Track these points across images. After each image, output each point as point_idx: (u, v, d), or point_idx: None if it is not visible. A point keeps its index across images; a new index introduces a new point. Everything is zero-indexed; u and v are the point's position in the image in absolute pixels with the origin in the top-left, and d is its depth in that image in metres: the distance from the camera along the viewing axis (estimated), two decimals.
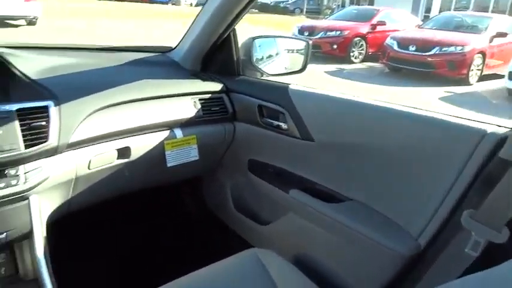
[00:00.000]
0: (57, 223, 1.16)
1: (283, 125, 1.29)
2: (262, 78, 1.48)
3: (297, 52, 1.62)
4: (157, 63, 1.45)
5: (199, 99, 1.36)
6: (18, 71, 1.09)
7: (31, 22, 9.60)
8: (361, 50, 9.37)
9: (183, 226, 1.72)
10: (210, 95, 1.38)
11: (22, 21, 9.65)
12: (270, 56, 1.61)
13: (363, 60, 9.35)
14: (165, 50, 1.54)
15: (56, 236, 1.13)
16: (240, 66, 1.48)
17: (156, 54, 1.52)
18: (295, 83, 1.33)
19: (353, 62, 9.19)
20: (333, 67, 8.38)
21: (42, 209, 1.06)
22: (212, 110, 1.37)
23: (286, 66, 1.64)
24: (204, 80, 1.41)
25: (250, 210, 1.52)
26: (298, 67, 1.55)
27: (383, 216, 1.10)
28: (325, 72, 7.69)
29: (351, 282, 1.15)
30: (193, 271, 1.07)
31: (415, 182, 1.03)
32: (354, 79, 7.51)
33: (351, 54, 9.19)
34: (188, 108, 1.32)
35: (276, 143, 1.35)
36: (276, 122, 1.32)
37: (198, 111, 1.33)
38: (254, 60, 1.46)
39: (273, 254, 1.14)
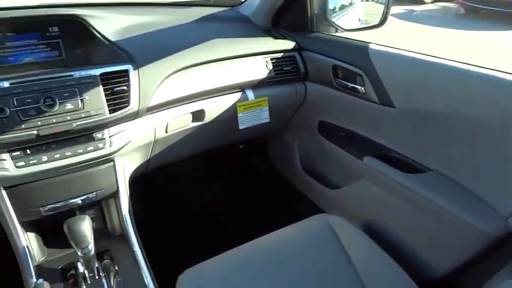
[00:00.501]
0: (136, 181, 1.22)
1: (360, 88, 1.21)
2: (337, 35, 1.38)
3: (377, 1, 1.48)
4: (228, 18, 1.40)
5: (271, 59, 1.31)
6: (98, 32, 1.10)
7: None
8: None
9: (250, 185, 1.76)
10: (281, 54, 1.32)
11: None
12: (343, 8, 1.49)
13: (435, 0, 8.50)
14: (234, 4, 1.48)
15: (135, 193, 1.19)
16: (314, 21, 1.38)
17: (226, 8, 1.46)
18: (372, 41, 1.22)
19: (424, 2, 8.40)
20: (400, 9, 7.72)
21: (125, 169, 1.12)
22: (284, 70, 1.32)
23: (361, 18, 1.51)
24: (275, 37, 1.35)
25: (319, 173, 1.51)
26: (376, 20, 1.42)
27: (467, 191, 1.03)
28: (392, 15, 7.08)
29: (426, 257, 1.12)
30: (259, 232, 1.09)
31: (505, 155, 0.93)
32: (425, 22, 6.89)
33: None
34: (260, 69, 1.28)
35: (349, 106, 1.28)
36: (351, 84, 1.25)
37: (269, 72, 1.29)
38: (329, 14, 1.36)
39: (343, 221, 1.13)
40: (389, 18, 1.32)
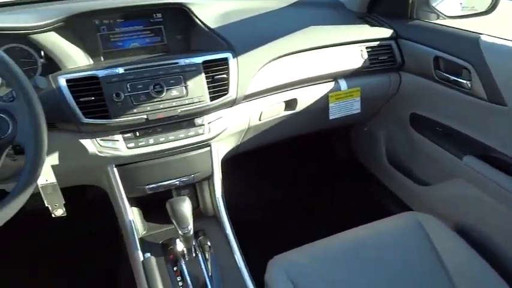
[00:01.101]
0: (224, 164, 1.26)
1: (466, 83, 1.12)
2: (439, 22, 1.29)
3: None
4: (323, 4, 1.37)
5: (366, 48, 1.26)
6: (198, 19, 1.13)
7: None
8: None
9: (330, 172, 1.74)
10: (377, 43, 1.27)
11: None
12: None
13: None
14: None
15: (225, 175, 1.23)
16: (414, 7, 1.30)
17: None
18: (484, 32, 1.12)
19: None
20: None
21: (218, 153, 1.16)
22: (380, 59, 1.27)
23: (463, 4, 1.39)
24: (372, 24, 1.29)
25: (406, 167, 1.45)
26: (484, 6, 1.29)
27: None
28: None
29: None
30: (342, 222, 1.08)
31: None
32: None
33: None
34: (354, 58, 1.24)
35: (449, 101, 1.21)
36: (454, 78, 1.16)
37: (364, 61, 1.25)
38: None
39: (435, 220, 1.09)
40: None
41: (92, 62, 1.08)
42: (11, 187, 0.74)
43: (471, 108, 1.14)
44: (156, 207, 1.16)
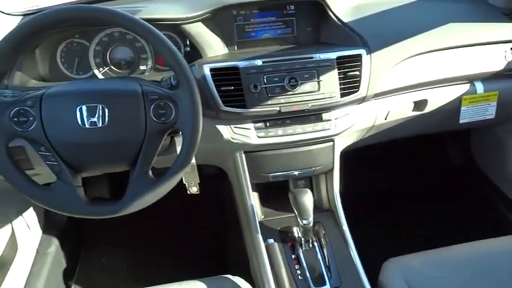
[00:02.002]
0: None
1: None
2: None
3: None
4: None
5: (511, 48, 1.15)
6: (332, 12, 1.12)
7: None
8: None
9: (448, 178, 1.64)
10: None
11: None
12: None
13: None
14: None
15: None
16: None
17: None
18: None
19: None
20: None
21: (340, 148, 1.16)
22: None
23: None
24: None
25: None
26: None
27: None
28: None
29: None
30: (460, 232, 1.02)
31: None
32: None
33: None
34: (496, 59, 1.14)
35: None
36: None
37: (508, 63, 1.14)
38: None
39: None
40: None
41: (226, 51, 1.14)
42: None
43: None
44: (272, 194, 1.21)
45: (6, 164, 0.75)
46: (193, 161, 1.01)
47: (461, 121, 1.19)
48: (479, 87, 1.16)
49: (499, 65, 1.14)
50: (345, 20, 1.12)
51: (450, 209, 1.53)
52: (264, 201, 1.20)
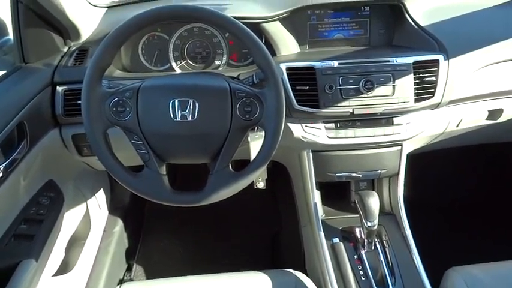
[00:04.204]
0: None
1: None
2: None
3: None
4: None
5: None
6: (409, 15, 1.11)
7: None
8: None
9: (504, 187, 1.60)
10: None
11: None
12: None
13: None
14: None
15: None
16: None
17: None
18: None
19: None
20: None
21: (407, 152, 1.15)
22: None
23: None
24: None
25: None
26: None
27: None
28: None
29: None
30: None
31: None
32: None
33: None
34: None
35: None
36: None
37: None
38: None
39: None
40: None
41: (298, 49, 1.16)
42: None
43: None
44: (334, 194, 1.22)
45: (104, 150, 0.81)
46: None
47: None
48: None
49: None
50: (422, 23, 1.10)
51: None
52: (325, 200, 1.22)
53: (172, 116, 0.81)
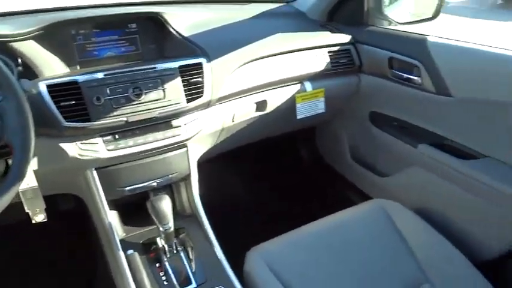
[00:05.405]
0: (201, 165, 1.31)
1: (416, 79, 1.25)
2: (391, 28, 1.43)
3: None
4: (286, 15, 1.47)
5: (328, 52, 1.37)
6: (172, 28, 1.19)
7: None
8: None
9: (297, 173, 1.83)
10: (338, 47, 1.38)
11: None
12: (397, 1, 1.52)
13: None
14: (288, 0, 1.55)
15: (201, 176, 1.28)
16: (369, 15, 1.43)
17: (281, 4, 1.53)
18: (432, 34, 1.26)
19: None
20: None
21: (195, 154, 1.21)
22: (340, 62, 1.38)
23: (413, 12, 1.54)
24: (332, 31, 1.41)
25: (369, 162, 1.56)
26: (429, 14, 1.44)
27: None
28: None
29: (482, 238, 1.16)
30: (312, 218, 1.15)
31: None
32: (461, 14, 6.72)
33: None
34: (318, 61, 1.35)
35: (404, 97, 1.33)
36: (406, 75, 1.29)
37: (326, 64, 1.36)
38: (384, 8, 1.40)
39: (397, 205, 1.19)
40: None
41: (68, 70, 1.11)
42: None
43: (422, 101, 1.26)
44: (134, 210, 1.19)
45: None
46: (35, 183, 0.95)
47: (298, 116, 1.35)
48: (308, 86, 1.35)
49: (320, 66, 1.35)
50: (185, 34, 1.19)
51: (304, 199, 1.70)
52: (125, 219, 1.17)
53: None
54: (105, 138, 1.02)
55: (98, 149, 1.02)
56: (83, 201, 1.18)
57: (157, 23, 1.19)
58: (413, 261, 1.05)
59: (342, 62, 1.39)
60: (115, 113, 1.00)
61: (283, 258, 1.04)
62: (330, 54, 1.37)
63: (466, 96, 1.15)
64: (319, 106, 1.38)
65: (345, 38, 1.40)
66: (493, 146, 1.13)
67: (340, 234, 1.12)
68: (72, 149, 1.00)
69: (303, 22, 1.44)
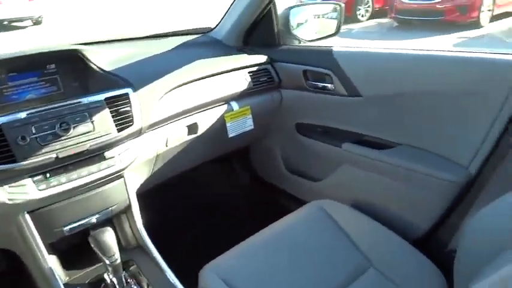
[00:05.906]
0: (140, 196, 1.30)
1: (330, 86, 1.39)
2: (302, 45, 1.58)
3: (327, 17, 1.69)
4: (204, 44, 1.56)
5: (248, 72, 1.47)
6: (94, 64, 1.20)
7: (37, 22, 9.67)
8: (367, 7, 9.19)
9: (239, 193, 1.87)
10: (257, 67, 1.49)
11: (28, 22, 9.70)
12: (303, 24, 1.69)
13: (370, 18, 9.19)
14: (205, 31, 1.64)
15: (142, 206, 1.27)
16: (280, 36, 1.57)
17: (199, 35, 1.62)
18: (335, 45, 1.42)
19: (360, 21, 9.04)
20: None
21: (133, 184, 1.20)
22: (260, 80, 1.48)
23: (318, 31, 1.72)
24: (249, 54, 1.52)
25: (302, 170, 1.65)
26: (332, 31, 1.62)
27: (433, 154, 1.21)
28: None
29: (411, 217, 1.28)
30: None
31: (460, 118, 1.13)
32: (364, 37, 7.45)
33: (357, 12, 9.03)
34: (240, 82, 1.44)
35: (322, 104, 1.46)
36: (321, 84, 1.43)
37: (248, 84, 1.45)
38: (292, 29, 1.55)
39: (334, 203, 1.28)
40: (333, 38, 1.54)
41: None
42: None
43: (338, 105, 1.40)
44: (77, 252, 1.14)
45: None
46: None
47: (230, 135, 1.41)
48: (235, 105, 1.42)
49: (243, 86, 1.44)
50: (107, 69, 1.21)
51: (246, 216, 1.74)
52: (68, 262, 1.12)
53: None
54: (35, 178, 0.99)
55: (27, 190, 0.98)
56: (16, 257, 1.11)
57: (77, 61, 1.19)
58: (356, 251, 1.12)
59: (262, 80, 1.49)
60: (43, 151, 0.98)
61: (236, 271, 1.05)
62: (250, 74, 1.46)
63: (372, 93, 1.30)
64: (247, 123, 1.46)
65: (261, 58, 1.51)
66: (403, 134, 1.28)
67: (286, 238, 1.16)
68: (0, 193, 0.95)
69: (221, 49, 1.54)
